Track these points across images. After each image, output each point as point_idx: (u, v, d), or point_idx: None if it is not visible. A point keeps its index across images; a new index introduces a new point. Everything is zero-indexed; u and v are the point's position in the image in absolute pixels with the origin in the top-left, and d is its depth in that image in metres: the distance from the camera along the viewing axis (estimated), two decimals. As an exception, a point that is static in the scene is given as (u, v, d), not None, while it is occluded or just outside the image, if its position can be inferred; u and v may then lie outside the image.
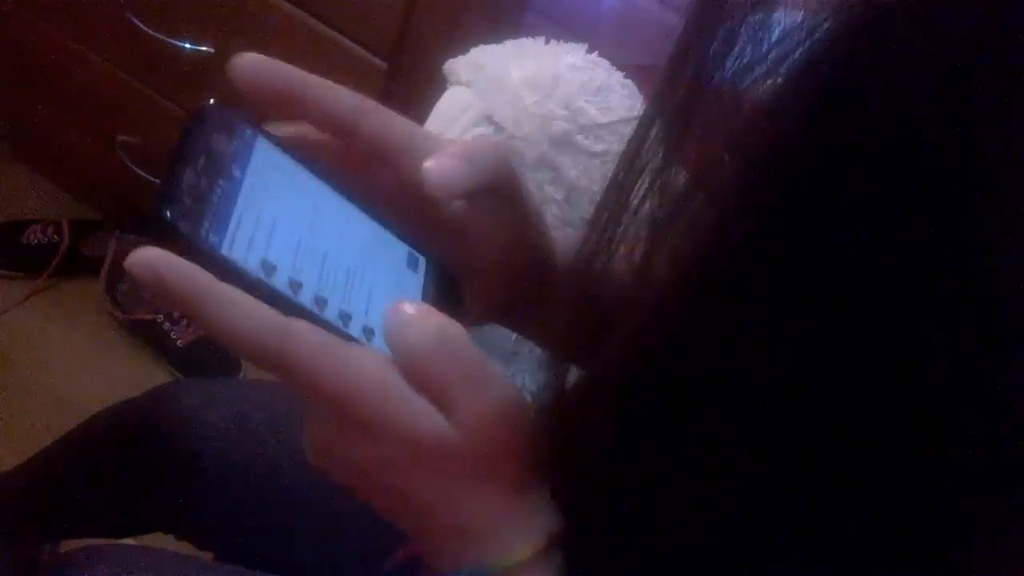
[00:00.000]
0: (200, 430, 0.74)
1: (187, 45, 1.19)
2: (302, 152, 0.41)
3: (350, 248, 0.41)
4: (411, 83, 1.15)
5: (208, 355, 1.42)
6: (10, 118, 1.51)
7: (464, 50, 1.04)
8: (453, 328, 0.38)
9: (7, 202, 1.50)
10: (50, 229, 1.46)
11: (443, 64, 1.04)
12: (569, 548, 0.40)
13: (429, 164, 0.39)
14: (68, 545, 0.71)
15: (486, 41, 1.05)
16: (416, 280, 0.44)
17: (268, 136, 0.40)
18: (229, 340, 0.35)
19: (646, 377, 0.36)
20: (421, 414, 0.37)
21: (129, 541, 0.79)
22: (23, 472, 0.87)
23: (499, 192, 0.43)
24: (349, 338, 0.39)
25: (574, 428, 0.40)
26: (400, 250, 0.44)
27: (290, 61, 0.40)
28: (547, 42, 1.04)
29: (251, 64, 0.39)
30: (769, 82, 0.32)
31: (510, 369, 1.02)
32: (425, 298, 0.43)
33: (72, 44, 1.29)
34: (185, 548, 0.77)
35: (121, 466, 0.79)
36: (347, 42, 1.12)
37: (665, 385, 0.35)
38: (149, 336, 1.43)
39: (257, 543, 0.73)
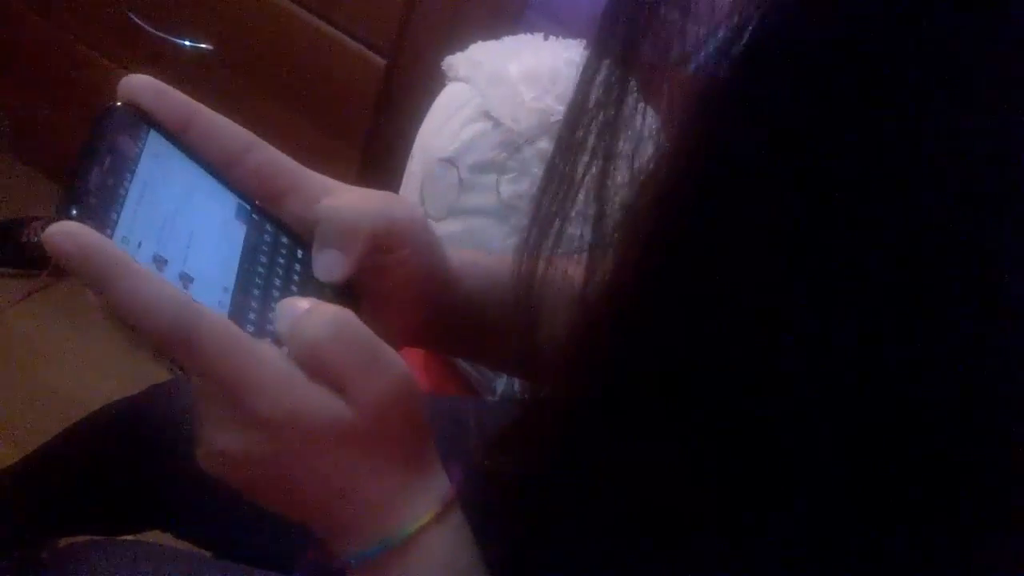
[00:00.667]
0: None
1: (187, 43, 1.19)
2: (206, 155, 0.43)
3: (240, 245, 0.43)
4: (410, 80, 1.15)
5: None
6: (10, 115, 1.51)
7: (463, 47, 1.04)
8: (345, 315, 0.39)
9: (7, 200, 1.50)
10: (50, 227, 1.46)
11: (442, 61, 1.04)
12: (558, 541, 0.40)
13: (315, 263, 0.44)
14: (67, 542, 0.71)
15: (485, 38, 1.05)
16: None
17: (170, 137, 0.42)
18: (141, 315, 0.36)
19: (622, 376, 0.36)
20: (321, 400, 0.38)
21: (128, 538, 0.79)
22: (22, 469, 0.86)
23: (388, 243, 0.45)
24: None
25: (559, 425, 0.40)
26: (299, 251, 0.45)
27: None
28: (546, 38, 1.04)
29: (137, 86, 0.41)
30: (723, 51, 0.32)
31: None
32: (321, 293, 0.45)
33: (73, 41, 1.29)
34: (184, 547, 0.77)
35: (120, 463, 0.79)
36: (347, 40, 1.12)
37: (640, 383, 0.35)
38: (149, 333, 1.43)
39: (256, 540, 0.73)
